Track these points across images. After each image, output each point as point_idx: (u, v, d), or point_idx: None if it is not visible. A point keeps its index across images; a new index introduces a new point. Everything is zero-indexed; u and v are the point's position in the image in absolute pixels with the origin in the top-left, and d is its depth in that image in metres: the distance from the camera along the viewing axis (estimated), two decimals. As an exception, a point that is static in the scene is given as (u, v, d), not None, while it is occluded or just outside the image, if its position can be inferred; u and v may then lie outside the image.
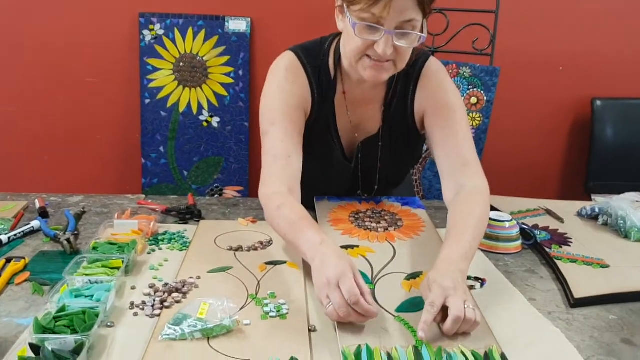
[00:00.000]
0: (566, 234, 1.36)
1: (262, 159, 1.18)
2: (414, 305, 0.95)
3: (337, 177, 1.34)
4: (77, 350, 0.80)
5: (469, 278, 1.11)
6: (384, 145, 1.29)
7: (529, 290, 1.11)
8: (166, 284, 1.04)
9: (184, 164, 2.46)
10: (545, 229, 1.39)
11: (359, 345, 0.86)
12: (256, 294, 1.02)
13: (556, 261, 1.20)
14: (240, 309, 0.97)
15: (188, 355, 0.84)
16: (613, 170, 2.58)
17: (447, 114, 1.21)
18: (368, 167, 1.31)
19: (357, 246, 1.15)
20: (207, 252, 1.17)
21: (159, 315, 0.95)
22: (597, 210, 1.45)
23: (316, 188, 1.38)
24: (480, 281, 1.12)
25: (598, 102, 2.60)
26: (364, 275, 1.04)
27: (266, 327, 0.92)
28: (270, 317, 0.94)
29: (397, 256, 1.12)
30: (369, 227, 1.23)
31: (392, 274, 1.06)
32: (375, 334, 0.89)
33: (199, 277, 1.07)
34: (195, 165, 2.47)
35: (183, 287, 1.03)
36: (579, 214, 1.49)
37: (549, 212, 1.50)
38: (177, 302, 0.98)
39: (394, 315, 0.94)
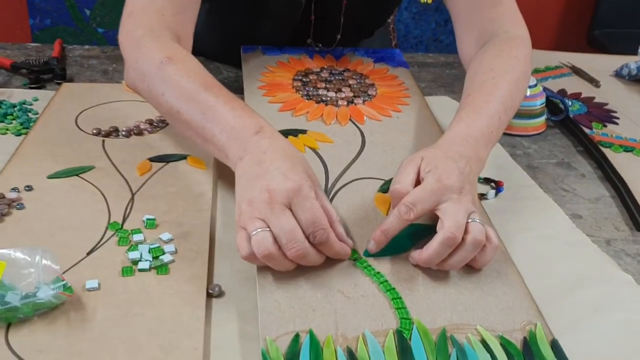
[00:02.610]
0: (607, 104, 0.95)
1: None
2: (398, 242, 0.54)
3: (278, 20, 0.84)
4: None
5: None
6: None
7: (568, 200, 0.71)
8: (-28, 201, 0.60)
9: (84, 0, 1.89)
10: (577, 96, 0.97)
11: (296, 335, 0.46)
12: (123, 223, 0.58)
13: (603, 149, 0.80)
14: (89, 253, 0.54)
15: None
16: (626, 14, 2.12)
17: None
18: (328, 5, 0.82)
19: (304, 131, 0.71)
20: (58, 140, 0.71)
21: (-64, 267, 0.52)
22: (645, 69, 1.03)
23: (244, 35, 0.88)
24: (493, 185, 0.72)
25: None
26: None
27: (129, 293, 0.50)
28: (140, 270, 0.53)
29: (366, 148, 0.69)
30: (325, 99, 0.77)
31: (358, 181, 0.64)
32: (327, 305, 0.49)
33: (29, 188, 0.63)
34: (99, 1, 1.90)
35: (-5, 208, 0.59)
36: (618, 74, 1.07)
37: (576, 72, 1.07)
38: (-24, 240, 0.55)
39: (363, 267, 0.53)
